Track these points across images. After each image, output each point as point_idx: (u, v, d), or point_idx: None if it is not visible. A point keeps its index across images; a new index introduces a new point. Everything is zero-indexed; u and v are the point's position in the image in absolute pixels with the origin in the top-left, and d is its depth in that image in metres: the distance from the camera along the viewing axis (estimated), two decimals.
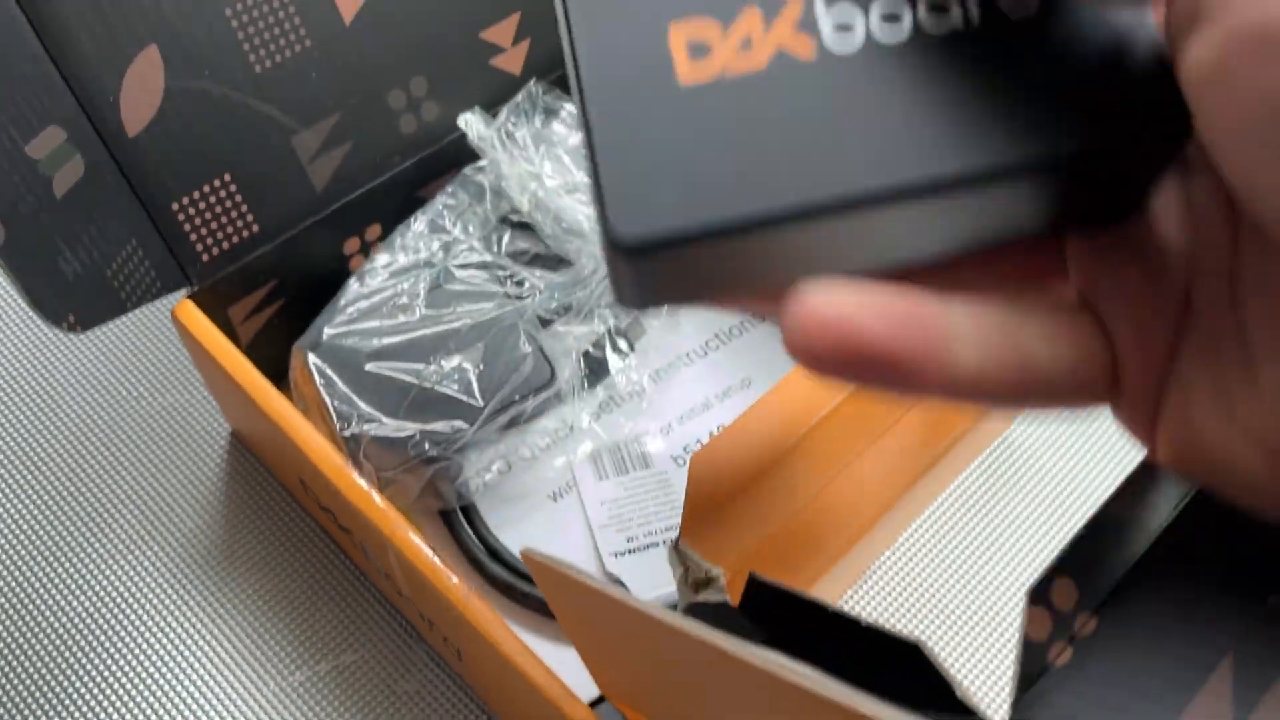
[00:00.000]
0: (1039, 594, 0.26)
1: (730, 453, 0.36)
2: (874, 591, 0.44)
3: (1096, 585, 0.26)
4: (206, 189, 0.39)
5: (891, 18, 0.19)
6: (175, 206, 0.38)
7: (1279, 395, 0.17)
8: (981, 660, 0.42)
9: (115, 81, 0.36)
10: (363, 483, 0.36)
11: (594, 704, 0.35)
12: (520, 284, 0.43)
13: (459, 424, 0.39)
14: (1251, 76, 0.15)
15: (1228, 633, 0.23)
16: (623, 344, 0.46)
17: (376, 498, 0.36)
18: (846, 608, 0.43)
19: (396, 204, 0.45)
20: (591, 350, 0.45)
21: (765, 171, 0.18)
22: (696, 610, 0.34)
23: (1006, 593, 0.43)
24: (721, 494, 0.35)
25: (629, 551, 0.42)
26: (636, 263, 0.18)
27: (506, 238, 0.45)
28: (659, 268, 0.18)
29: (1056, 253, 0.20)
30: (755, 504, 0.36)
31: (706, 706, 0.29)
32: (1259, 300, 0.18)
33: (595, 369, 0.45)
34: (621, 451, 0.45)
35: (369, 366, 0.39)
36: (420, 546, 0.35)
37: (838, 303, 0.17)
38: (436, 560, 0.35)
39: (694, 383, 0.48)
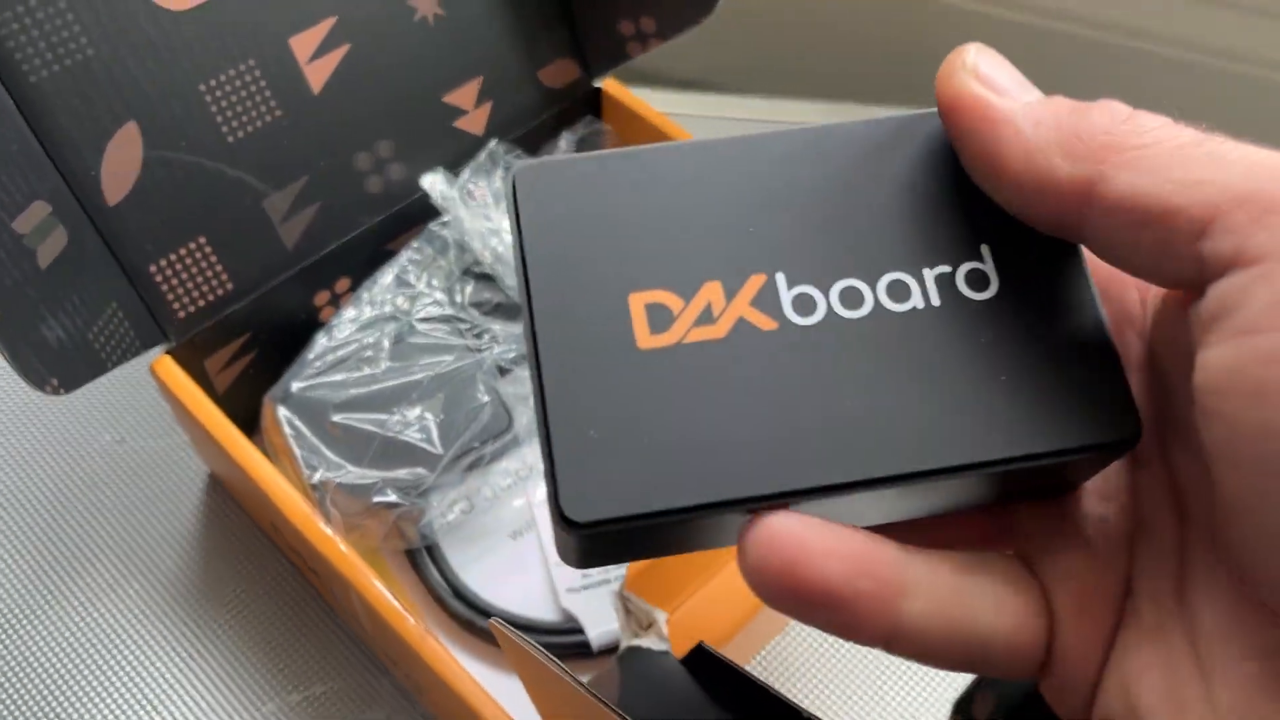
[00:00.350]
0: (962, 706, 0.29)
1: None
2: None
3: (1011, 696, 0.29)
4: (183, 251, 0.42)
5: (853, 296, 0.19)
6: (153, 268, 0.41)
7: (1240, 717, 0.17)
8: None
9: (96, 156, 0.39)
10: (327, 529, 0.38)
11: None
12: (480, 335, 0.45)
13: (421, 471, 0.42)
14: (1273, 397, 0.16)
15: None
16: None
17: (340, 543, 0.38)
18: (776, 652, 0.46)
19: (365, 258, 0.47)
20: None
21: (721, 459, 0.18)
22: (636, 654, 0.36)
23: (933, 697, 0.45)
24: None
25: (584, 588, 0.45)
26: (584, 538, 0.18)
27: (470, 289, 0.47)
28: (606, 541, 0.18)
29: (1009, 515, 0.21)
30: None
31: None
32: (1213, 616, 0.18)
33: None
34: None
35: (335, 417, 0.42)
36: (380, 590, 0.37)
37: (798, 536, 0.17)
38: (395, 602, 0.37)
39: None
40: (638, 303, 0.19)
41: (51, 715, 0.43)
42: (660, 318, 0.19)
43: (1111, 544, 0.20)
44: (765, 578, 0.17)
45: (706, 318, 0.19)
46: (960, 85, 0.19)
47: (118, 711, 0.43)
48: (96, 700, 0.43)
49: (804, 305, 0.19)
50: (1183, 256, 0.17)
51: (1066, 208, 0.18)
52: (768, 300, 0.19)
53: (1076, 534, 0.20)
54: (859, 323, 0.19)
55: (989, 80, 0.19)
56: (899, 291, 0.19)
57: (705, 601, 0.38)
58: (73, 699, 0.43)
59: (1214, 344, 0.17)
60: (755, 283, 0.19)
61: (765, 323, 0.19)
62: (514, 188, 0.19)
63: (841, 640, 0.45)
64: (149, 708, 0.43)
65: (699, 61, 0.85)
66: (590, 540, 0.18)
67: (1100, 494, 0.20)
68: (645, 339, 0.18)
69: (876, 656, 0.45)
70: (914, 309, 0.19)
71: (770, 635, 0.46)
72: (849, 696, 0.45)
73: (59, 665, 0.44)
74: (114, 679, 0.43)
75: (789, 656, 0.45)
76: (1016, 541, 0.20)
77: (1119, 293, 0.20)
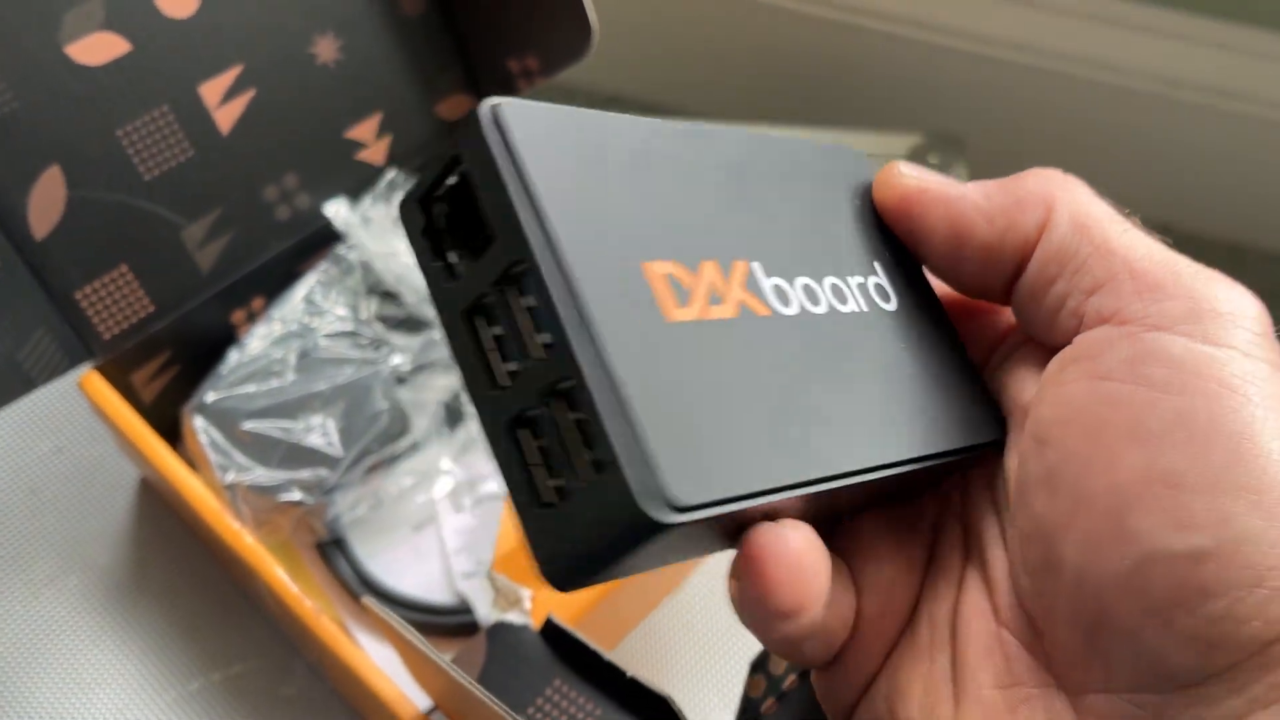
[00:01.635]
0: (759, 664, 0.34)
1: None
2: (652, 634, 0.52)
3: None
4: (106, 279, 0.46)
5: (811, 294, 0.20)
6: (79, 295, 0.46)
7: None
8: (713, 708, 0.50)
9: (23, 196, 0.44)
10: (236, 525, 0.43)
11: (429, 712, 0.42)
12: (379, 348, 0.50)
13: (323, 472, 0.47)
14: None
15: None
16: None
17: (247, 536, 0.43)
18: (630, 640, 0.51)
19: (277, 279, 0.52)
20: (450, 400, 0.53)
21: (784, 442, 0.18)
22: (504, 633, 0.41)
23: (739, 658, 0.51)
24: None
25: (475, 575, 0.50)
26: (675, 526, 0.17)
27: (375, 305, 0.52)
28: (681, 533, 0.17)
29: None
30: None
31: None
32: (973, 647, 0.21)
33: (454, 416, 0.53)
34: (477, 487, 0.53)
35: (246, 425, 0.47)
36: (281, 576, 0.42)
37: (800, 546, 0.19)
38: (294, 587, 0.42)
39: None
40: (654, 273, 0.18)
41: None
42: (678, 291, 0.18)
43: (914, 565, 0.23)
44: (775, 587, 0.19)
45: (715, 297, 0.19)
46: (908, 183, 0.23)
47: (56, 693, 0.48)
48: (36, 683, 0.48)
49: (781, 296, 0.20)
50: (1075, 310, 0.21)
51: (1008, 273, 0.22)
52: (755, 286, 0.19)
53: (896, 548, 0.23)
54: (822, 319, 0.20)
55: (926, 176, 0.23)
56: (839, 294, 0.21)
57: None
58: (14, 682, 0.48)
59: (1069, 382, 0.20)
60: (741, 268, 0.19)
61: (760, 308, 0.19)
62: (500, 125, 0.18)
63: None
64: (85, 688, 0.48)
65: (618, 81, 0.90)
66: (675, 530, 0.17)
67: (913, 517, 0.23)
68: (672, 311, 0.18)
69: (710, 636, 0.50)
70: (853, 312, 0.20)
71: (642, 614, 0.51)
72: (699, 666, 0.50)
73: (1, 652, 0.48)
74: (53, 664, 0.48)
75: (660, 629, 0.51)
76: (843, 542, 0.23)
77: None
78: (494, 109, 0.18)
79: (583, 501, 0.17)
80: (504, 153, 0.18)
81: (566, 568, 0.18)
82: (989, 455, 0.22)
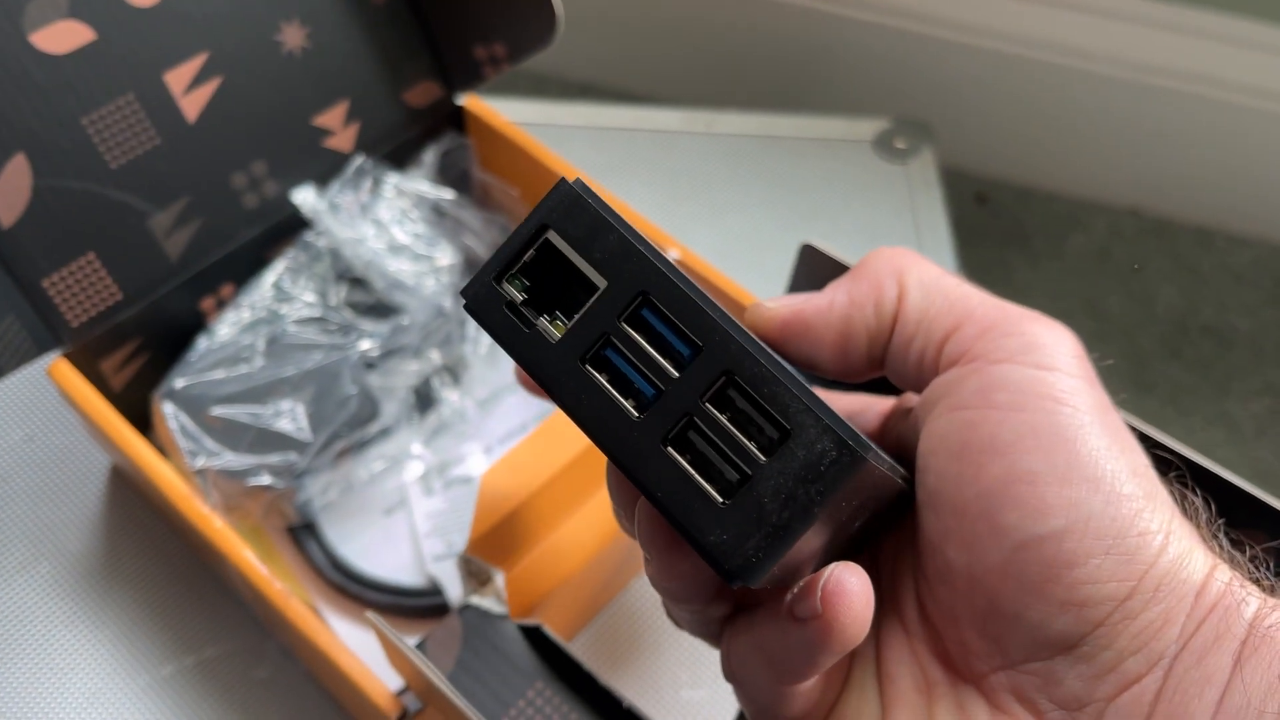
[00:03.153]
0: None
1: (513, 472, 0.44)
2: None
3: None
4: (74, 266, 0.47)
5: None
6: (46, 283, 0.46)
7: None
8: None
9: None
10: (205, 509, 0.44)
11: (400, 692, 0.43)
12: (348, 333, 0.51)
13: (293, 456, 0.47)
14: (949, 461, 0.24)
15: None
16: (449, 378, 0.55)
17: (217, 522, 0.43)
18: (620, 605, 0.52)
19: (246, 266, 0.52)
20: (420, 385, 0.53)
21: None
22: (474, 610, 0.42)
23: None
24: (505, 508, 0.43)
25: (445, 558, 0.50)
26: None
27: (344, 291, 0.53)
28: (866, 476, 0.21)
29: None
30: (534, 516, 0.44)
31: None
32: (896, 665, 0.26)
33: (425, 401, 0.54)
34: (448, 471, 0.54)
35: (215, 410, 0.47)
36: (251, 559, 0.43)
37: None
38: (264, 569, 0.42)
39: (516, 408, 0.57)
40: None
41: None
42: None
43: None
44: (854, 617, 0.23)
45: None
46: (782, 312, 0.27)
47: (29, 679, 0.48)
48: (8, 670, 0.48)
49: None
50: (932, 360, 0.26)
51: (876, 358, 0.27)
52: None
53: None
54: None
55: (791, 300, 0.27)
56: None
57: (537, 562, 0.44)
58: None
59: (934, 419, 0.25)
60: None
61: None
62: (582, 190, 0.22)
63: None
64: (58, 674, 0.48)
65: (590, 70, 0.91)
66: (863, 471, 0.21)
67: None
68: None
69: None
70: None
71: (612, 593, 0.51)
72: (670, 651, 0.51)
73: None
74: (25, 650, 0.49)
75: (632, 609, 0.51)
76: None
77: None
78: (578, 182, 0.22)
79: (773, 471, 0.20)
80: (601, 207, 0.21)
81: (759, 549, 0.20)
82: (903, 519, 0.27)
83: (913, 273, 0.26)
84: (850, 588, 0.22)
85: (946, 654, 0.25)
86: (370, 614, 0.36)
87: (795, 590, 0.23)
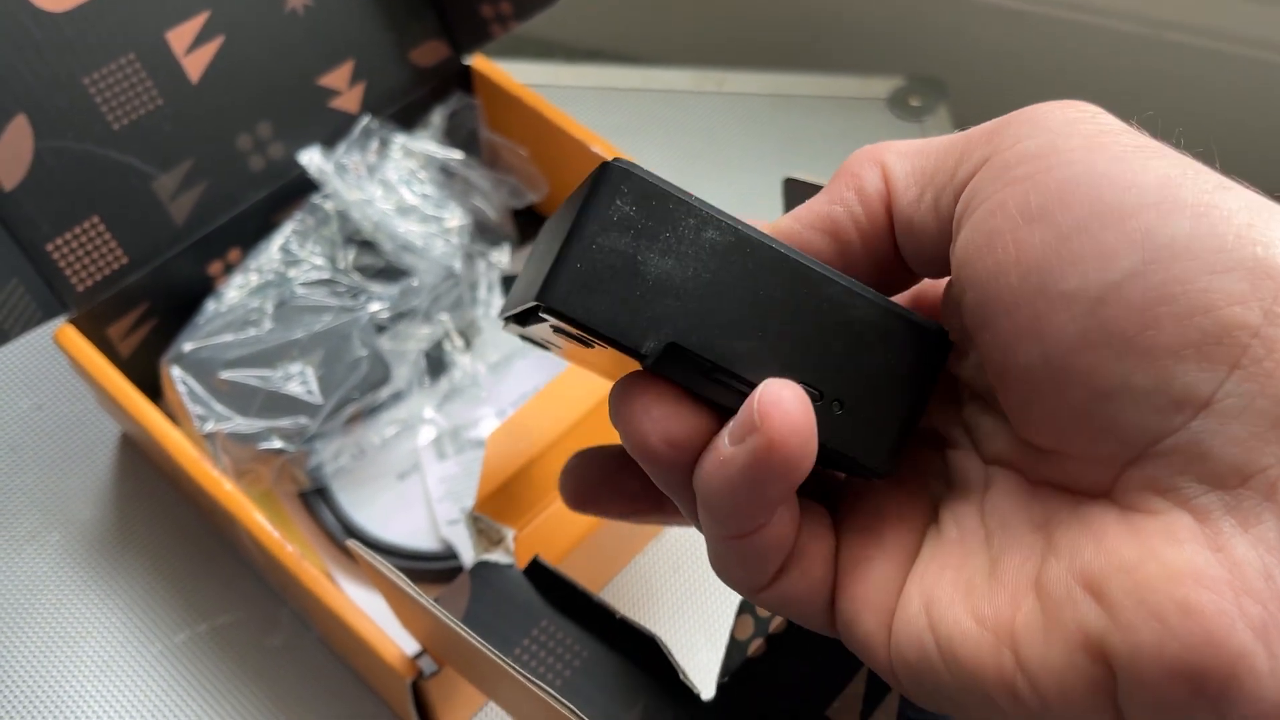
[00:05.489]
0: (746, 604, 0.34)
1: (520, 433, 0.43)
2: (638, 575, 0.52)
3: None
4: (78, 230, 0.46)
5: None
6: (50, 247, 0.45)
7: (1016, 582, 0.20)
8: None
9: None
10: (216, 473, 0.43)
11: (416, 656, 0.42)
12: (357, 296, 0.50)
13: (303, 420, 0.47)
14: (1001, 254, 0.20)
15: None
16: (460, 342, 0.54)
17: (228, 485, 0.43)
18: (619, 580, 0.51)
19: (253, 230, 0.52)
20: (431, 349, 0.53)
21: None
22: (485, 568, 0.41)
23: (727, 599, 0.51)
24: (512, 469, 0.43)
25: (459, 522, 0.50)
26: None
27: (353, 254, 0.52)
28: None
29: None
30: (542, 477, 0.44)
31: (487, 678, 0.37)
32: (1001, 511, 0.22)
33: (436, 365, 0.53)
34: (460, 435, 0.53)
35: (224, 374, 0.47)
36: (262, 522, 0.42)
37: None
38: (275, 533, 0.42)
39: (528, 372, 0.56)
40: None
41: None
42: None
43: (913, 480, 0.24)
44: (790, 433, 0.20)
45: None
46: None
47: (41, 648, 0.47)
48: (21, 638, 0.48)
49: None
50: (946, 208, 0.21)
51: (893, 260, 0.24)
52: None
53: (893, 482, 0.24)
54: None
55: (758, 224, 0.24)
56: None
57: (548, 522, 0.43)
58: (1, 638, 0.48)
59: (961, 229, 0.21)
60: None
61: None
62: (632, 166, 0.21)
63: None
64: (70, 643, 0.48)
65: (599, 36, 0.90)
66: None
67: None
68: None
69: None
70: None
71: (629, 556, 0.51)
72: (690, 612, 0.50)
73: None
74: (37, 619, 0.48)
75: (647, 573, 0.51)
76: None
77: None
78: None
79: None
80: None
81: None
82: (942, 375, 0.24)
83: (889, 152, 0.23)
84: (783, 394, 0.20)
85: (1063, 480, 0.21)
86: (378, 561, 0.35)
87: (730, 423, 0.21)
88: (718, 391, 0.22)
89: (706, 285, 0.21)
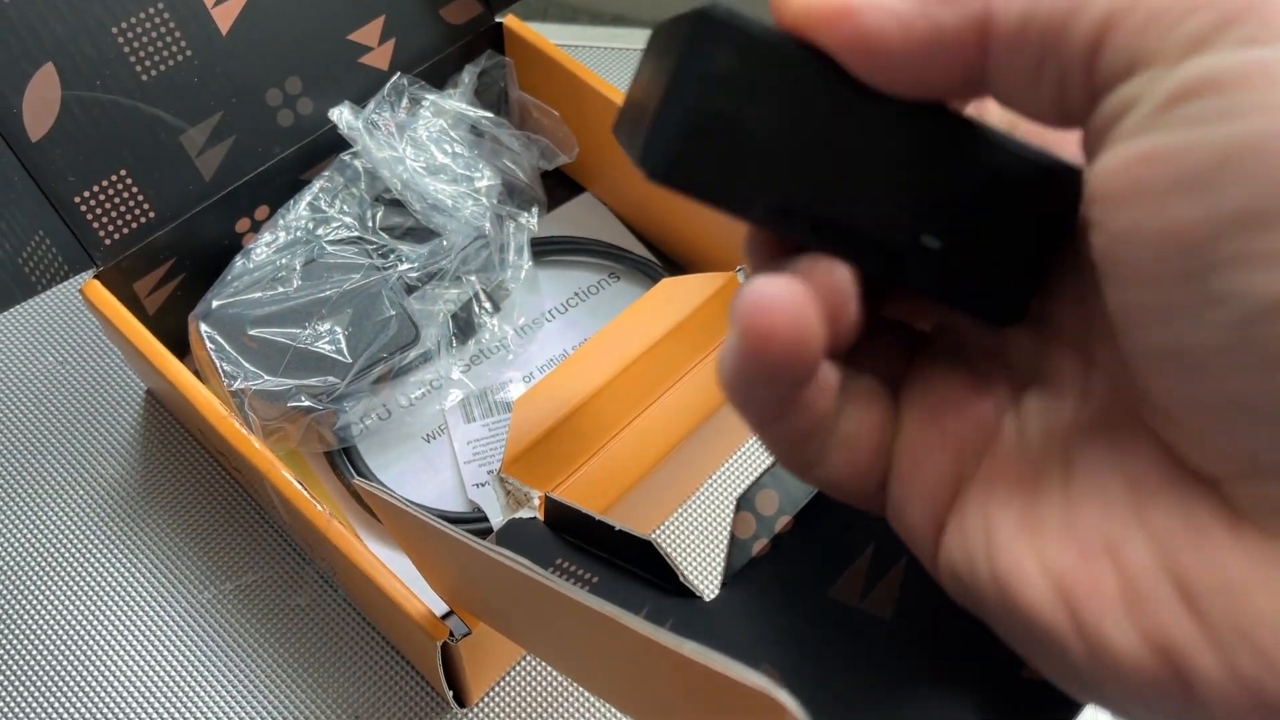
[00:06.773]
0: (745, 500, 0.33)
1: (548, 397, 0.43)
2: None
3: (795, 495, 0.33)
4: (105, 183, 0.45)
5: None
6: (77, 199, 0.45)
7: (1093, 540, 0.18)
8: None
9: (17, 97, 0.42)
10: (244, 430, 0.43)
11: (444, 616, 0.42)
12: (386, 255, 0.49)
13: (331, 379, 0.46)
14: (1158, 206, 0.16)
15: (871, 530, 0.30)
16: (488, 304, 0.53)
17: (256, 443, 0.42)
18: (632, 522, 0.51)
19: (281, 187, 0.51)
20: (459, 311, 0.52)
21: None
22: (512, 526, 0.41)
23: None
24: (539, 432, 0.42)
25: (487, 484, 0.49)
26: None
27: (381, 214, 0.51)
28: None
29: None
30: (569, 440, 0.43)
31: (510, 607, 0.36)
32: (1092, 453, 0.19)
33: (464, 327, 0.52)
34: (488, 398, 0.52)
35: (252, 331, 0.46)
36: (291, 479, 0.42)
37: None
38: (305, 490, 0.41)
39: (555, 335, 0.55)
40: None
41: (4, 607, 0.47)
42: None
43: (985, 389, 0.21)
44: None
45: None
46: (806, 2, 0.19)
47: (66, 605, 0.47)
48: (46, 595, 0.47)
49: None
50: (1079, 85, 0.17)
51: (966, 59, 0.18)
52: None
53: (964, 378, 0.22)
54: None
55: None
56: None
57: (575, 486, 0.42)
58: (23, 593, 0.47)
59: (1101, 154, 0.17)
60: None
61: None
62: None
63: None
64: (95, 600, 0.47)
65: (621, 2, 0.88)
66: None
67: (990, 346, 0.22)
68: None
69: None
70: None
71: (653, 524, 0.50)
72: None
73: (9, 564, 0.48)
74: (62, 576, 0.48)
75: (672, 542, 0.50)
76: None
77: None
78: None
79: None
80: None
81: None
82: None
83: None
84: (765, 291, 0.18)
85: (1174, 443, 0.18)
86: (387, 494, 0.34)
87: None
88: (836, 250, 0.20)
89: (815, 136, 0.20)
